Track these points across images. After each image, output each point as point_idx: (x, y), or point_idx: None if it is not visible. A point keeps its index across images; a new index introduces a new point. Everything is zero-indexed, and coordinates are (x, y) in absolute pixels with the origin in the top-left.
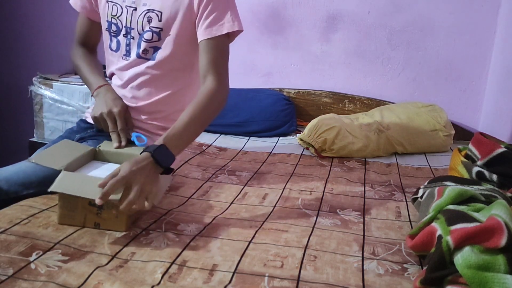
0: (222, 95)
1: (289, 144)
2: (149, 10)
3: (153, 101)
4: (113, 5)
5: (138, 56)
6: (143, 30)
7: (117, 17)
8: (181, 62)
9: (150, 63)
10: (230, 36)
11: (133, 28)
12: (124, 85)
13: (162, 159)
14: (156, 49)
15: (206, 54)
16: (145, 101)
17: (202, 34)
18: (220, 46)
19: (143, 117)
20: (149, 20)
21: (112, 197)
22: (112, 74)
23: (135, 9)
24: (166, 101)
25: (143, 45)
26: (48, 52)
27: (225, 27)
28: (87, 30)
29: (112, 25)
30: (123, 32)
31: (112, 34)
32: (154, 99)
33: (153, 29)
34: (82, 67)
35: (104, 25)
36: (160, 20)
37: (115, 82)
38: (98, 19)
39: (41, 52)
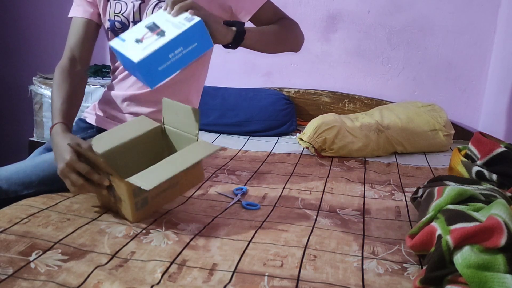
0: (297, 26)
1: (289, 143)
2: (159, 1)
3: (156, 89)
4: (116, 2)
5: None
6: None
7: (121, 14)
8: None
9: None
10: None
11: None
12: (126, 77)
13: (235, 23)
14: None
15: (267, 17)
16: (147, 88)
17: (245, 13)
18: (268, 8)
19: (147, 110)
20: None
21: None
22: (116, 69)
23: (143, 1)
24: (170, 90)
25: None
26: (48, 51)
27: (258, 2)
28: (84, 33)
29: (116, 23)
30: (130, 27)
31: (119, 31)
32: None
33: None
34: (55, 95)
35: (106, 25)
36: None
37: (118, 73)
38: (100, 22)
39: (41, 51)
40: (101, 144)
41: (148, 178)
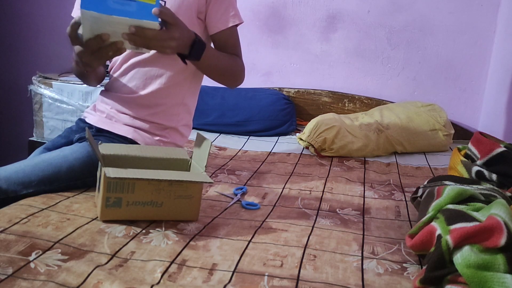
0: (244, 70)
1: (288, 143)
2: None
3: (152, 92)
4: None
5: None
6: None
7: None
8: None
9: (151, 51)
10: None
11: None
12: (122, 74)
13: (198, 44)
14: None
15: (222, 44)
16: (143, 90)
17: (213, 27)
18: (233, 35)
19: (143, 113)
20: None
21: None
22: (111, 68)
23: None
24: (165, 92)
25: None
26: (48, 51)
27: (230, 21)
28: None
29: None
30: None
31: None
32: (152, 89)
33: None
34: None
35: None
36: None
37: (113, 72)
38: None
39: (41, 51)
40: (119, 149)
41: (120, 172)
